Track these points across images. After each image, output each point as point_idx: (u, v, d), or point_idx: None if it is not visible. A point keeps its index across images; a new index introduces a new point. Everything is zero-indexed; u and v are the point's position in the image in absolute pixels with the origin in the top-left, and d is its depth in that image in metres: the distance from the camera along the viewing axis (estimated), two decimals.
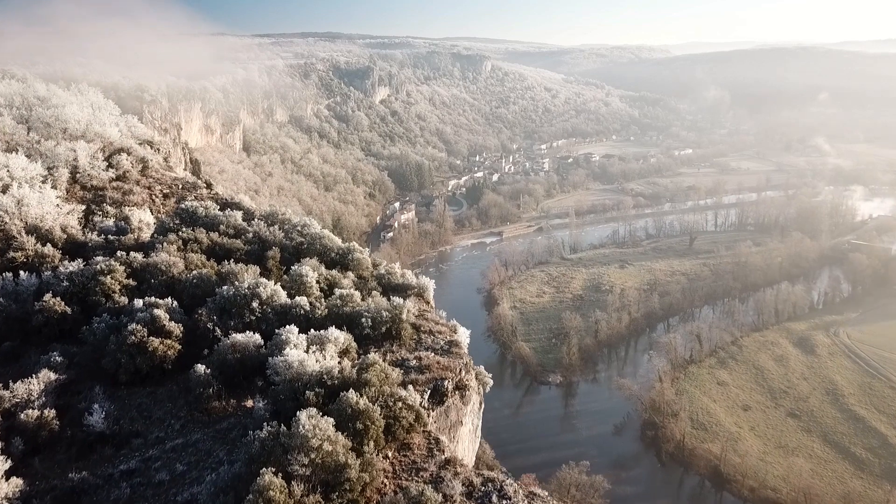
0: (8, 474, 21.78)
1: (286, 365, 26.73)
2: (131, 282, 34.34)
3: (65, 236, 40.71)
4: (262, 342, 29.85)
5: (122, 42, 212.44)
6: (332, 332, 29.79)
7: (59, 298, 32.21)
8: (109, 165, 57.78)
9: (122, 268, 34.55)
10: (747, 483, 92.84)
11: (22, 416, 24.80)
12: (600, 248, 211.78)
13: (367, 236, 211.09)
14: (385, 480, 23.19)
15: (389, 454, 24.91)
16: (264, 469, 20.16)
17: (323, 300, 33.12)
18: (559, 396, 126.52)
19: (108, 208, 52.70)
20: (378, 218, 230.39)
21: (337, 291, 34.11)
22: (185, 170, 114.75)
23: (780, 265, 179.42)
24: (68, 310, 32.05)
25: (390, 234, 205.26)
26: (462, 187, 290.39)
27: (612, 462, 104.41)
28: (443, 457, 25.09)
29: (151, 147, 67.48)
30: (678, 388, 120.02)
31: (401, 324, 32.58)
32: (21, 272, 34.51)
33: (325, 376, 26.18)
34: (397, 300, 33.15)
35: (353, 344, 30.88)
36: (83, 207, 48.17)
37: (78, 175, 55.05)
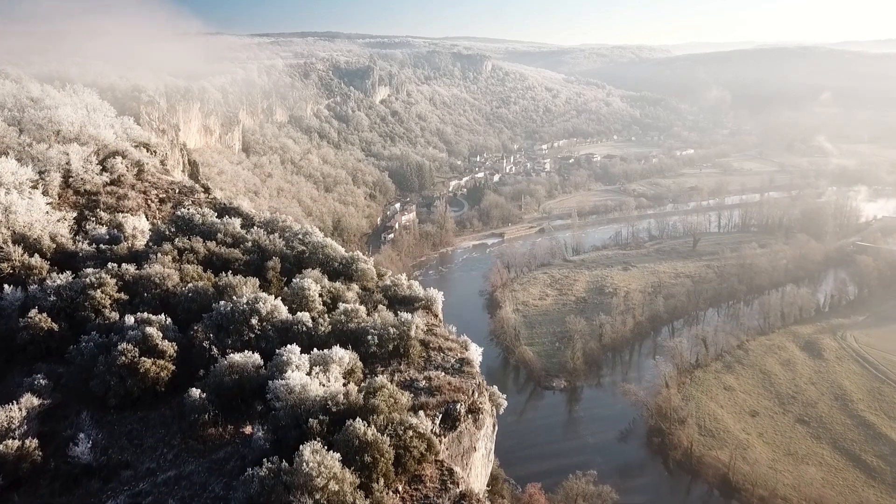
0: None
1: (287, 389, 24.83)
2: (123, 296, 32.41)
3: (54, 246, 38.75)
4: (262, 362, 27.93)
5: (118, 41, 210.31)
6: (337, 351, 27.86)
7: (45, 314, 30.28)
8: (104, 169, 55.82)
9: (114, 281, 32.61)
10: (757, 492, 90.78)
11: (1, 446, 22.85)
12: (603, 249, 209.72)
13: (368, 238, 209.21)
14: None
15: (399, 488, 23.01)
16: None
17: (326, 316, 31.18)
18: (563, 402, 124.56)
19: (102, 214, 50.77)
20: (379, 219, 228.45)
21: (341, 306, 32.17)
22: (183, 171, 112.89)
23: (785, 267, 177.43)
24: (55, 326, 30.13)
25: (391, 236, 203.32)
26: (463, 188, 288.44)
27: (618, 469, 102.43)
28: (457, 490, 23.20)
29: (148, 150, 65.49)
30: (684, 393, 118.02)
31: (409, 341, 30.68)
32: (6, 285, 32.55)
33: (329, 402, 24.29)
34: (405, 315, 31.22)
35: (359, 363, 28.96)
36: (75, 214, 46.28)
37: (71, 179, 53.09)
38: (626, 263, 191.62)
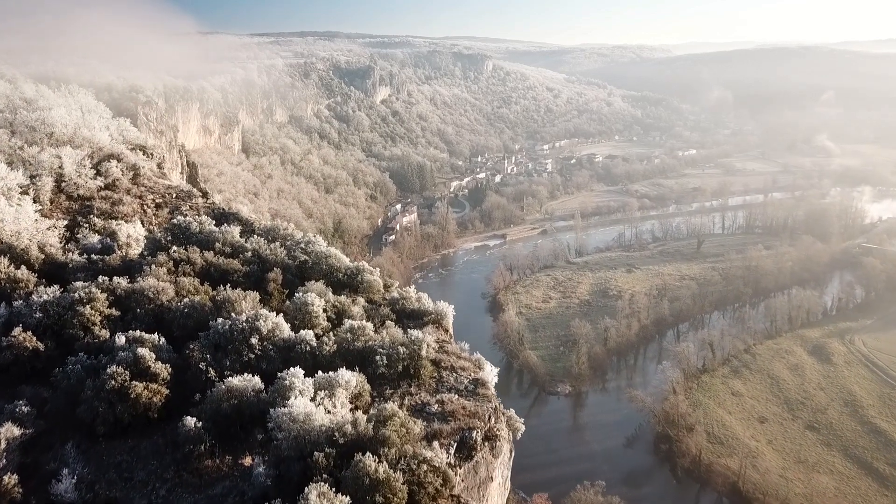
0: None
1: (290, 418, 22.85)
2: (114, 311, 30.39)
3: (42, 256, 36.73)
4: (262, 386, 25.93)
5: (116, 41, 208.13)
6: (343, 374, 25.86)
7: (30, 333, 28.26)
8: (98, 173, 53.87)
9: (104, 295, 30.60)
10: (768, 502, 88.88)
11: None
12: (606, 251, 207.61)
13: (369, 239, 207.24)
14: None
15: None
16: None
17: (331, 334, 29.16)
18: (568, 407, 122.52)
19: (96, 220, 48.78)
20: (380, 220, 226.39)
21: (346, 323, 30.15)
22: (181, 173, 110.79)
23: (791, 269, 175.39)
24: (41, 346, 28.11)
25: (392, 238, 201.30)
26: (464, 188, 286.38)
27: (625, 477, 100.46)
28: None
29: (144, 153, 63.50)
30: (691, 398, 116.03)
31: (420, 361, 28.69)
32: None
33: (336, 433, 22.30)
34: (415, 333, 29.21)
35: (366, 386, 26.96)
36: (65, 222, 44.28)
37: (63, 184, 51.14)
38: (630, 265, 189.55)
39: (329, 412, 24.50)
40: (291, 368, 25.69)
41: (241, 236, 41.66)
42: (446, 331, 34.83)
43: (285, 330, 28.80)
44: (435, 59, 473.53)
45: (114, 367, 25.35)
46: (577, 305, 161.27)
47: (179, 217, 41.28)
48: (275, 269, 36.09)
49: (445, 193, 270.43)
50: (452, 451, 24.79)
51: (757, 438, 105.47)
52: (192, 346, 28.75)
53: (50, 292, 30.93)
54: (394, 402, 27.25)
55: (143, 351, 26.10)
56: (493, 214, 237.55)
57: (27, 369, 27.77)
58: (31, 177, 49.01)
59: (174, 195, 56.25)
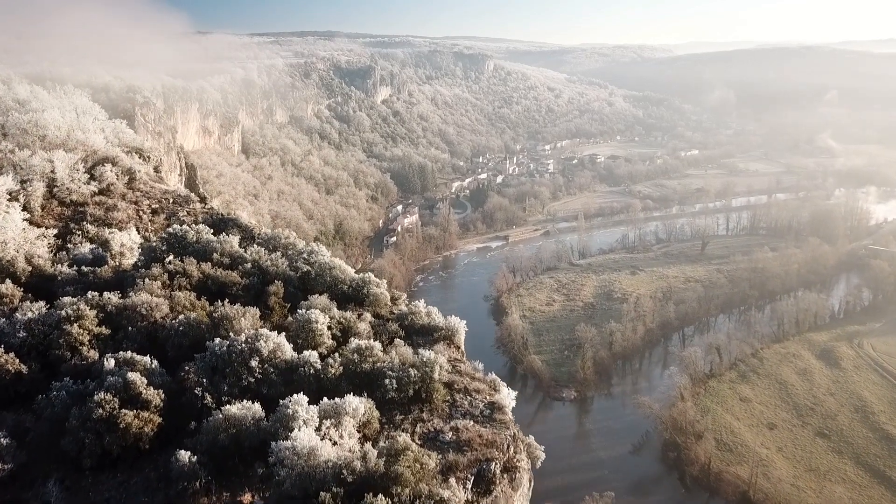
0: None
1: (294, 453, 20.86)
2: (104, 330, 28.37)
3: (30, 269, 34.70)
4: (263, 413, 23.91)
5: (114, 40, 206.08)
6: (350, 401, 23.86)
7: (13, 354, 26.24)
8: (92, 178, 51.83)
9: (94, 313, 28.59)
10: None
11: None
12: (610, 253, 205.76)
13: (370, 241, 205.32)
14: None
15: None
16: None
17: (336, 355, 27.13)
18: (573, 413, 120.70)
19: (89, 227, 46.78)
20: (381, 222, 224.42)
21: (353, 342, 28.13)
22: (180, 175, 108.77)
23: (797, 272, 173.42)
24: (24, 368, 26.09)
25: (394, 239, 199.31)
26: (466, 189, 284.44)
27: (633, 486, 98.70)
28: None
29: (140, 156, 61.48)
30: (699, 404, 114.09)
31: (432, 384, 26.67)
32: None
33: (344, 470, 20.30)
34: (427, 354, 27.20)
35: (375, 413, 24.95)
36: (55, 231, 42.22)
37: (55, 189, 49.09)
38: (634, 267, 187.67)
39: (335, 442, 22.52)
40: (294, 395, 23.67)
41: (240, 245, 39.60)
42: (458, 348, 32.81)
43: (287, 351, 26.77)
44: (436, 58, 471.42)
45: (102, 394, 23.33)
46: (581, 308, 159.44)
47: (176, 225, 39.25)
48: (276, 281, 34.06)
49: (447, 194, 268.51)
50: (469, 485, 22.78)
51: (767, 445, 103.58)
52: (187, 368, 26.74)
53: (35, 309, 28.91)
54: (405, 429, 25.30)
55: (133, 376, 24.08)
56: (495, 215, 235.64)
57: (10, 394, 25.77)
58: (22, 182, 46.99)
59: (171, 200, 54.23)
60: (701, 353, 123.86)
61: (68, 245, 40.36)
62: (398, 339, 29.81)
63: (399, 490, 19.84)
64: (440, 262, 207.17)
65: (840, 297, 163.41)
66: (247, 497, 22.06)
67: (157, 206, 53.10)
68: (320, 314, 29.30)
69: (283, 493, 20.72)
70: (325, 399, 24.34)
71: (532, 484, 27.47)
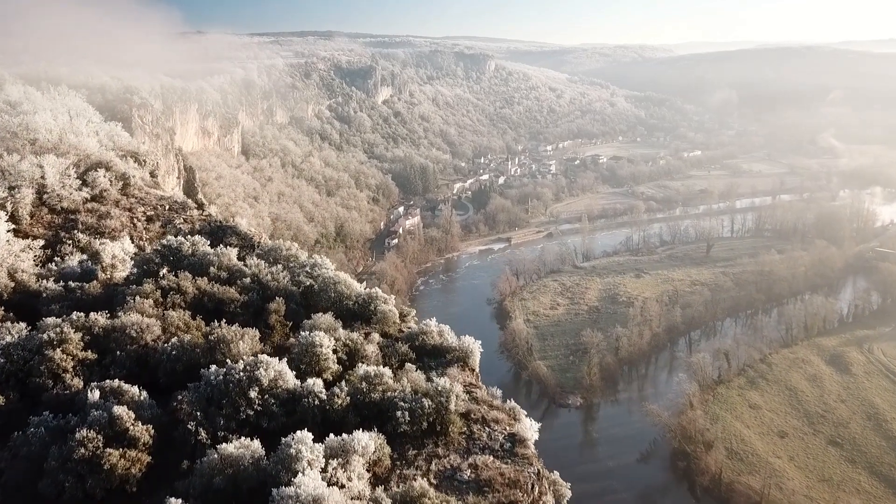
0: None
1: (297, 502, 18.53)
2: (90, 354, 26.03)
3: (13, 285, 32.35)
4: (263, 451, 21.56)
5: (112, 40, 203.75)
6: (359, 438, 21.55)
7: None
8: (84, 183, 49.42)
9: (79, 335, 26.27)
10: None
11: None
12: (614, 255, 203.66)
13: (371, 243, 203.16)
14: None
15: None
16: None
17: (343, 384, 24.82)
18: (579, 420, 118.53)
19: (80, 236, 44.40)
20: (382, 224, 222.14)
21: (361, 368, 25.83)
22: (178, 178, 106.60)
23: (804, 275, 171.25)
24: (1, 399, 23.78)
25: (395, 242, 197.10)
26: (468, 190, 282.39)
27: (642, 496, 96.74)
28: None
29: (136, 160, 59.10)
30: (708, 411, 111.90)
31: (448, 415, 24.36)
32: None
33: None
34: (442, 383, 24.92)
35: (386, 448, 22.64)
36: (44, 241, 39.89)
37: (45, 196, 46.66)
38: (639, 270, 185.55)
39: (343, 486, 20.22)
40: (298, 433, 21.36)
41: (239, 257, 37.28)
42: (473, 370, 30.47)
43: (290, 379, 24.46)
44: (437, 58, 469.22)
45: (84, 431, 21.02)
46: (585, 312, 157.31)
47: (171, 237, 36.93)
48: (277, 298, 31.77)
49: (448, 195, 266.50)
50: None
51: (778, 454, 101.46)
52: (180, 398, 24.41)
53: (15, 331, 26.58)
54: (418, 466, 23.00)
55: (119, 410, 21.77)
56: (497, 217, 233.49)
57: None
58: (10, 188, 44.61)
59: (167, 207, 51.89)
60: (709, 358, 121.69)
61: (55, 258, 37.97)
62: (409, 364, 27.47)
63: None
64: (442, 265, 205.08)
65: (849, 301, 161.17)
66: None
67: (153, 213, 50.75)
68: (325, 337, 26.99)
69: None
70: (332, 435, 22.02)
71: None
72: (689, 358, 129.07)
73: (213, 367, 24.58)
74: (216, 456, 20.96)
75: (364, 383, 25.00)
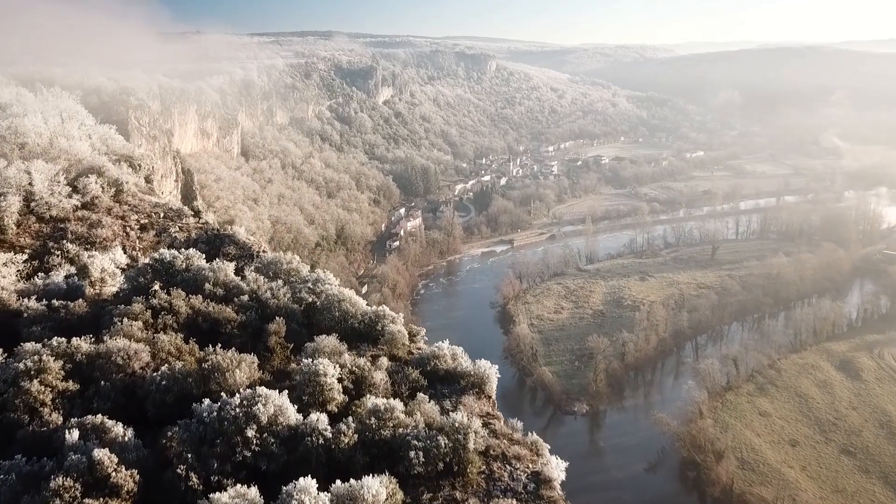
0: None
1: None
2: (70, 385, 23.73)
3: None
4: (262, 500, 19.21)
5: (109, 40, 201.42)
6: (369, 485, 19.25)
7: None
8: (74, 190, 47.25)
9: (59, 364, 23.95)
10: None
11: None
12: (618, 257, 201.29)
13: (373, 246, 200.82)
14: None
15: None
16: None
17: (350, 419, 22.47)
18: (585, 428, 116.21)
19: (69, 246, 42.22)
20: (383, 226, 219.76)
21: (369, 401, 23.52)
22: (175, 181, 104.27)
23: (812, 278, 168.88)
24: None
25: (396, 244, 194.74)
26: (469, 192, 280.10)
27: None
28: None
29: (130, 164, 56.83)
30: (717, 419, 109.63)
31: (466, 454, 22.04)
32: None
33: None
34: (459, 419, 22.61)
35: (399, 494, 20.31)
36: (30, 252, 37.62)
37: (33, 204, 44.49)
38: (643, 273, 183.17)
39: None
40: (301, 480, 19.05)
41: (237, 272, 34.96)
42: (489, 398, 28.16)
43: (291, 415, 22.14)
44: (437, 58, 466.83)
45: (60, 479, 18.71)
46: (590, 316, 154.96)
47: (164, 250, 34.58)
48: (277, 318, 29.43)
49: (450, 197, 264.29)
50: None
51: (789, 464, 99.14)
52: (170, 435, 22.08)
53: None
54: None
55: (100, 454, 19.44)
56: (499, 219, 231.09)
57: None
58: None
59: (162, 214, 49.61)
60: (718, 365, 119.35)
61: (42, 270, 35.66)
62: (421, 395, 25.10)
63: None
64: (444, 267, 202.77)
65: (857, 305, 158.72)
66: None
67: (147, 221, 48.47)
68: (329, 365, 24.64)
69: None
70: (339, 481, 19.71)
71: None
72: (696, 364, 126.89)
73: (207, 402, 22.24)
74: None
75: (373, 418, 22.66)
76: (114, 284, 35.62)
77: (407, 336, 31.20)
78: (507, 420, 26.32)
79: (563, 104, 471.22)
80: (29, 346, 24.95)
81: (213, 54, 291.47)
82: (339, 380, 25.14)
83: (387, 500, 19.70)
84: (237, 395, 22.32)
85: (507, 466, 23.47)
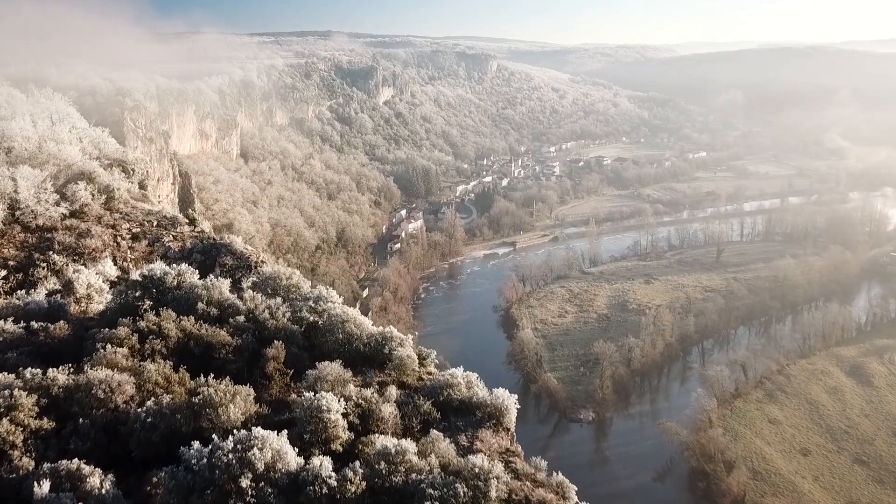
0: None
1: None
2: (46, 423, 21.33)
3: None
4: None
5: (104, 40, 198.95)
6: None
7: None
8: (62, 197, 44.94)
9: (33, 399, 21.56)
10: None
11: None
12: (622, 260, 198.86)
13: (374, 248, 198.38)
14: None
15: None
16: None
17: (357, 464, 20.03)
18: (591, 436, 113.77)
19: (56, 258, 39.91)
20: (384, 228, 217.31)
21: (378, 441, 21.08)
22: (173, 184, 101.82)
23: (819, 281, 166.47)
24: None
25: (398, 246, 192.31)
26: (471, 193, 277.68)
27: None
28: None
29: (123, 169, 54.48)
30: (726, 427, 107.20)
31: (488, 503, 19.58)
32: None
33: None
34: (479, 463, 20.21)
35: None
36: (14, 264, 35.24)
37: (18, 212, 42.17)
38: (648, 276, 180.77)
39: None
40: None
41: (233, 288, 32.57)
42: (508, 430, 25.75)
43: (290, 459, 19.72)
44: (438, 58, 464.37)
45: None
46: (595, 320, 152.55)
47: (154, 265, 32.15)
48: (275, 341, 27.04)
49: (452, 198, 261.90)
50: None
51: (802, 474, 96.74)
52: (155, 481, 19.72)
53: None
54: None
55: None
56: (501, 220, 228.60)
57: None
58: None
59: (155, 223, 47.23)
60: (726, 371, 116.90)
61: (26, 284, 33.27)
62: (435, 431, 22.71)
63: None
64: (446, 270, 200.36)
65: (866, 309, 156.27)
66: None
67: (139, 230, 46.08)
68: (333, 399, 22.22)
69: None
70: None
71: None
72: (703, 370, 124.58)
73: (196, 445, 19.79)
74: None
75: (382, 462, 20.22)
76: (101, 301, 33.29)
77: (416, 360, 28.80)
78: (530, 458, 23.92)
79: (564, 104, 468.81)
80: (1, 377, 22.57)
81: (212, 54, 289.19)
82: (345, 415, 22.73)
83: None
84: (230, 436, 19.89)
85: None
